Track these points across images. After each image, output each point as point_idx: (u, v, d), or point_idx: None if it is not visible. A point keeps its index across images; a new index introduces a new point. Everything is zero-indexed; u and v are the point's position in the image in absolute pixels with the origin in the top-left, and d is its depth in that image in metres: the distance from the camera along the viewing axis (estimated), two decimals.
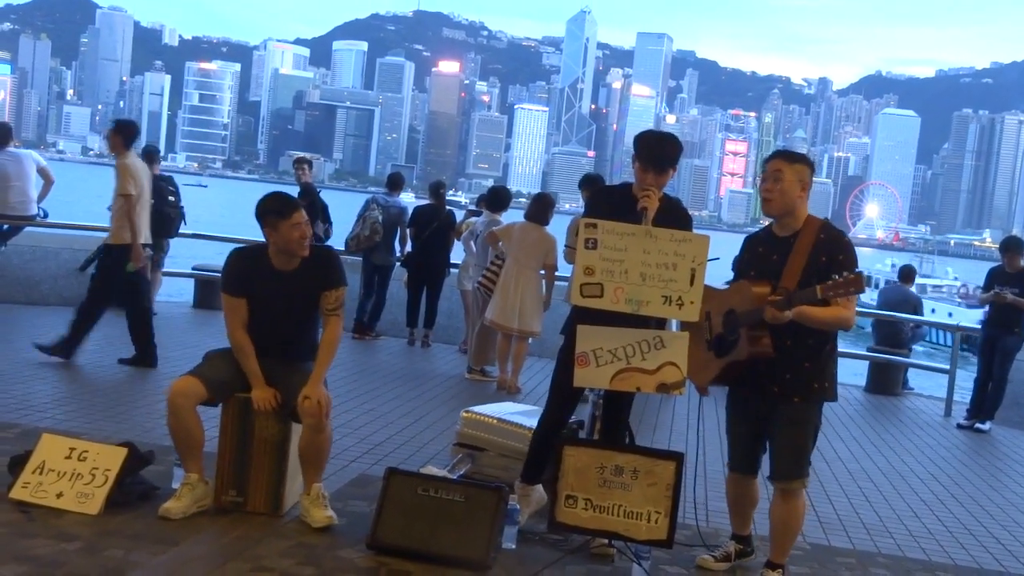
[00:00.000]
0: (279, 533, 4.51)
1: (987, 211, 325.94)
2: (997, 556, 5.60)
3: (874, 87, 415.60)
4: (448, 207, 11.37)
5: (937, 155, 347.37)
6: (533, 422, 5.05)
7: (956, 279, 47.33)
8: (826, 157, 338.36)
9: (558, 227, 8.77)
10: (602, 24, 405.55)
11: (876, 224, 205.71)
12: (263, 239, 4.79)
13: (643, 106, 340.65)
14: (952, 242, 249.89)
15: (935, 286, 44.45)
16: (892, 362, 11.78)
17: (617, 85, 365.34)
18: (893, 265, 49.71)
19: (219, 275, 13.40)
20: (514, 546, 4.57)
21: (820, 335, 4.34)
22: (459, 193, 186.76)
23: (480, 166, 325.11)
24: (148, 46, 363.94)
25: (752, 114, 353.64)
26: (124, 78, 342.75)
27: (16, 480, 4.61)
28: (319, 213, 10.52)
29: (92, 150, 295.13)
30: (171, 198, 10.90)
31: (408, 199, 12.09)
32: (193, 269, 12.90)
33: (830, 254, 4.27)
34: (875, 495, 6.67)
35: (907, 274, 13.51)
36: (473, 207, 12.29)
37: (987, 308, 9.91)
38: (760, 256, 4.46)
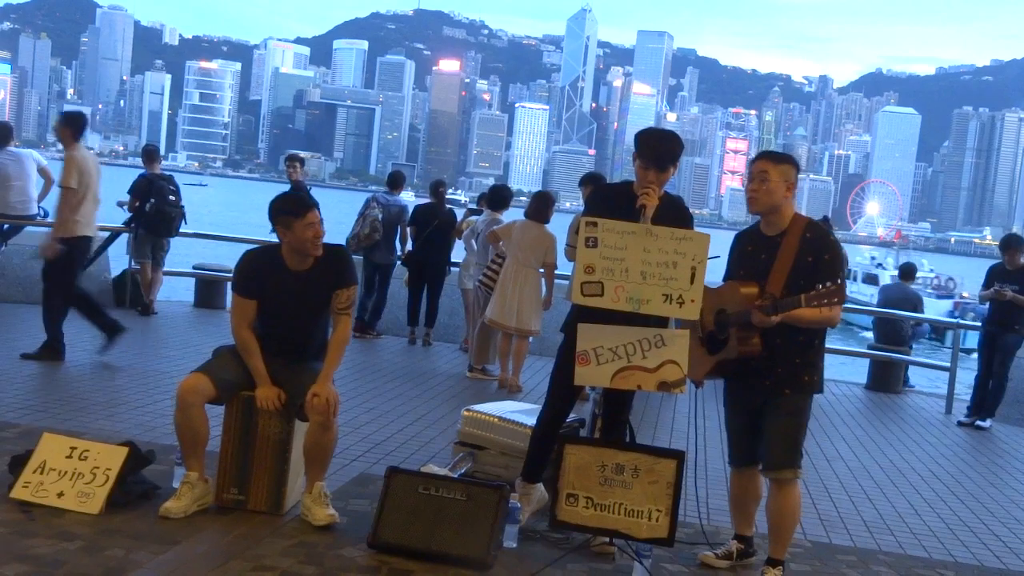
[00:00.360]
0: (280, 532, 4.51)
1: (987, 208, 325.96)
2: (998, 553, 5.60)
3: (874, 85, 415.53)
4: (448, 206, 11.38)
5: (937, 153, 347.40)
6: (534, 421, 5.05)
7: (931, 271, 48.75)
8: (826, 155, 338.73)
9: (559, 225, 8.77)
10: (602, 22, 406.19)
11: (877, 222, 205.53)
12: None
13: (644, 104, 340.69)
14: (952, 239, 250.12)
15: None
16: (893, 360, 11.78)
17: (618, 83, 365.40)
18: (872, 258, 50.03)
19: (219, 274, 13.47)
20: (515, 544, 4.58)
21: (809, 332, 4.44)
22: (459, 192, 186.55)
23: (481, 165, 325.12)
24: (148, 45, 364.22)
25: (753, 112, 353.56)
26: (124, 77, 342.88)
27: (17, 480, 4.61)
28: None
29: (92, 149, 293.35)
30: (171, 197, 10.93)
31: (408, 198, 12.09)
32: (194, 268, 12.91)
33: (816, 253, 4.36)
34: (876, 492, 6.67)
35: (908, 272, 13.50)
36: (473, 206, 12.30)
37: (987, 305, 9.91)
38: (748, 254, 4.54)
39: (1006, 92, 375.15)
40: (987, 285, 9.69)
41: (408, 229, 11.10)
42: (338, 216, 11.11)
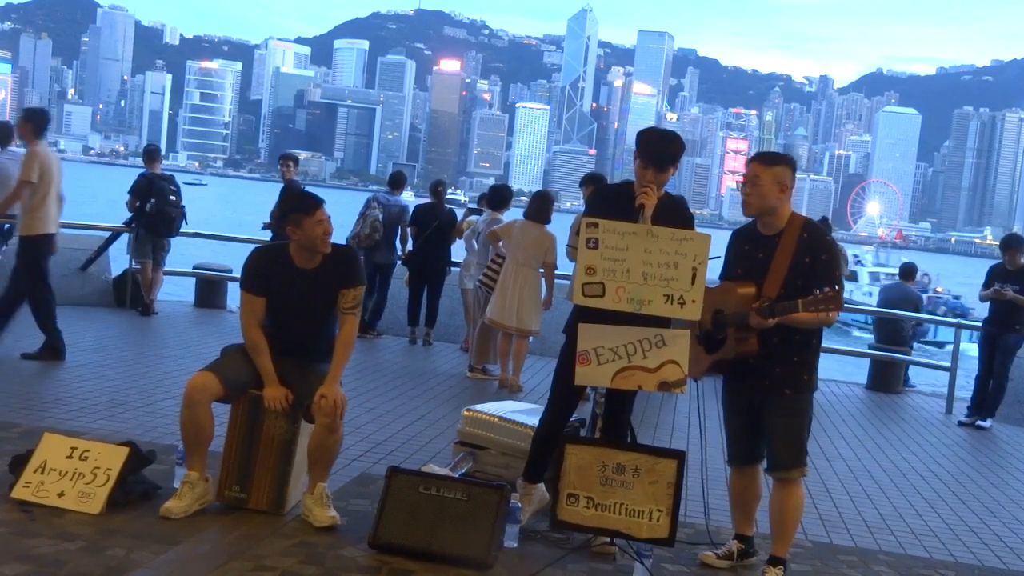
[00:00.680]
0: (281, 532, 4.51)
1: (988, 209, 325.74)
2: (998, 553, 5.60)
3: (875, 85, 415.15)
4: (448, 206, 11.38)
5: (938, 153, 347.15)
6: (534, 420, 5.05)
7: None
8: (827, 155, 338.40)
9: (559, 226, 8.77)
10: (603, 22, 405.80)
11: (877, 222, 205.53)
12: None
13: (644, 104, 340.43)
14: (953, 239, 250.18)
15: (888, 274, 47.32)
16: (893, 359, 11.78)
17: (618, 83, 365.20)
18: (855, 256, 50.33)
19: (220, 274, 13.49)
20: (516, 544, 4.58)
21: (806, 332, 4.45)
22: (458, 191, 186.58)
23: (482, 164, 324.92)
24: (149, 45, 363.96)
25: (753, 112, 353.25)
26: (125, 77, 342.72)
27: (18, 480, 4.62)
28: None
29: (93, 149, 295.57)
30: (172, 197, 10.92)
31: (408, 198, 12.10)
32: (194, 268, 12.91)
33: (813, 254, 4.37)
34: (876, 492, 6.67)
35: (908, 272, 13.51)
36: (473, 205, 12.31)
37: (988, 306, 9.91)
38: (746, 253, 4.55)
39: (1007, 92, 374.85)
40: (987, 285, 9.70)
41: (408, 229, 11.10)
42: (339, 216, 11.07)
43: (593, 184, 7.94)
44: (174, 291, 14.05)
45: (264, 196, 11.93)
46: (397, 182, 11.60)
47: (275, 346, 4.75)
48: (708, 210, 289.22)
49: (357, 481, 5.46)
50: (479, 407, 5.59)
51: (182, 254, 15.36)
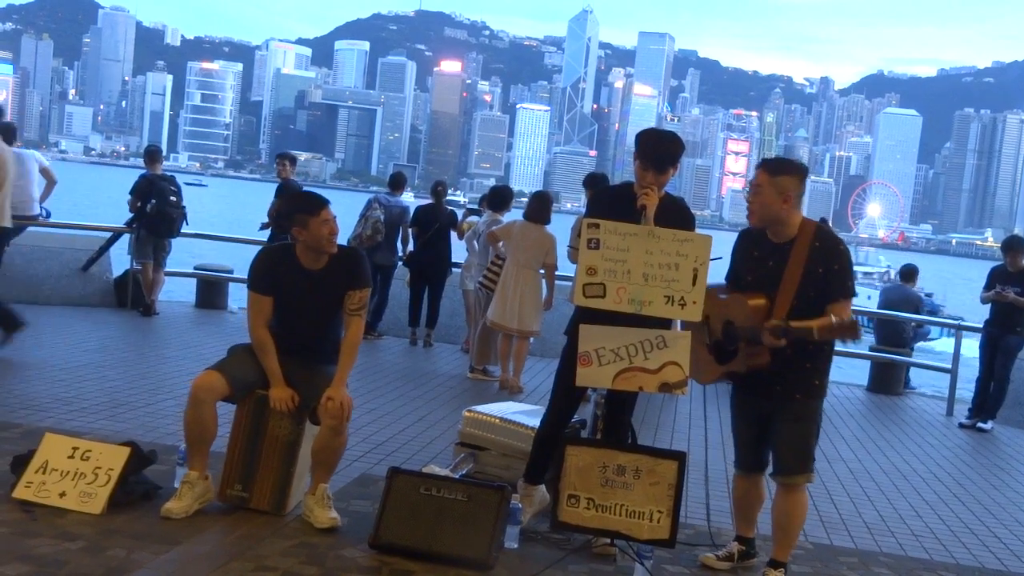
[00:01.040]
0: (282, 532, 4.51)
1: (989, 210, 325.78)
2: (999, 555, 5.60)
3: (876, 86, 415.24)
4: (449, 207, 11.38)
5: (939, 154, 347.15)
6: (535, 421, 5.05)
7: (889, 267, 51.02)
8: (828, 156, 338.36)
9: (559, 226, 8.77)
10: (604, 24, 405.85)
11: (878, 223, 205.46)
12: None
13: (645, 106, 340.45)
14: (954, 241, 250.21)
15: (865, 273, 48.68)
16: (894, 361, 11.78)
17: (619, 85, 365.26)
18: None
19: (221, 275, 13.47)
20: (516, 545, 4.58)
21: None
22: (458, 192, 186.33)
23: (482, 166, 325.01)
24: (150, 46, 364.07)
25: (754, 113, 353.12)
26: (126, 78, 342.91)
27: (19, 480, 4.62)
28: None
29: (94, 150, 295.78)
30: (173, 198, 10.92)
31: (408, 199, 12.10)
32: (195, 269, 12.91)
33: (826, 264, 4.29)
34: (877, 494, 6.67)
35: (908, 273, 13.51)
36: (473, 206, 12.31)
37: (989, 308, 9.90)
38: (756, 260, 4.46)
39: (1008, 94, 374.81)
40: (988, 287, 9.70)
41: (409, 230, 11.10)
42: (340, 217, 11.04)
43: (596, 184, 7.96)
44: (175, 292, 14.06)
45: (265, 197, 11.91)
46: (398, 183, 11.60)
47: (281, 346, 4.75)
48: (709, 211, 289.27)
49: (358, 482, 5.46)
50: (480, 408, 5.59)
51: (183, 255, 15.37)
